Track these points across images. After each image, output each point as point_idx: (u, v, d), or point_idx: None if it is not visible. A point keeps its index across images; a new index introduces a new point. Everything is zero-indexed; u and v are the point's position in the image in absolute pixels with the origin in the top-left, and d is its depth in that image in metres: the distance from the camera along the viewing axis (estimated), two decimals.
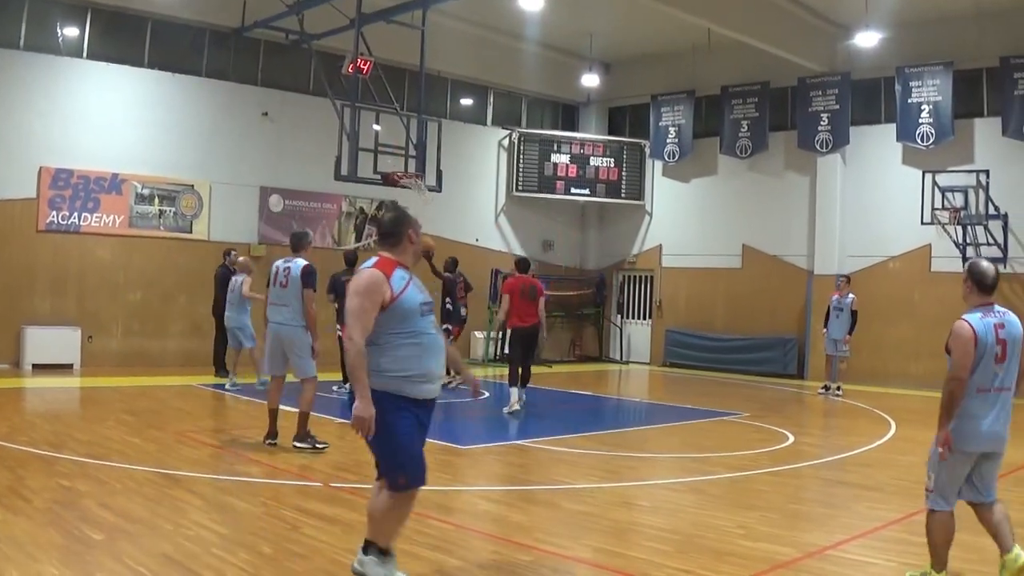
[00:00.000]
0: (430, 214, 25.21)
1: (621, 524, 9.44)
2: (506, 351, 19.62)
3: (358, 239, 25.41)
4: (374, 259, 6.80)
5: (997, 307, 7.40)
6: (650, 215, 30.48)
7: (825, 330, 22.31)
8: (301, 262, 12.59)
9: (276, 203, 24.14)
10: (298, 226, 23.90)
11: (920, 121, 24.43)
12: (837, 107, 26.07)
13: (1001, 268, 22.61)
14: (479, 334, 28.08)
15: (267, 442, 12.58)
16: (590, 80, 29.68)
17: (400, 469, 6.70)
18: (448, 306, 20.33)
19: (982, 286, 7.52)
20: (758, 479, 11.87)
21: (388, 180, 20.44)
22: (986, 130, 24.08)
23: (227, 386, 18.69)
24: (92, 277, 21.67)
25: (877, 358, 24.63)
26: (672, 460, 13.46)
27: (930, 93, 24.34)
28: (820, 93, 26.39)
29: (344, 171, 19.99)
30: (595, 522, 9.39)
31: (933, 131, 24.26)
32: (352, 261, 19.22)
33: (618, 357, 31.01)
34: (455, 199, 26.65)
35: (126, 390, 17.88)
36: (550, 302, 27.34)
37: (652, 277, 30.57)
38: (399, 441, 6.65)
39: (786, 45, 24.81)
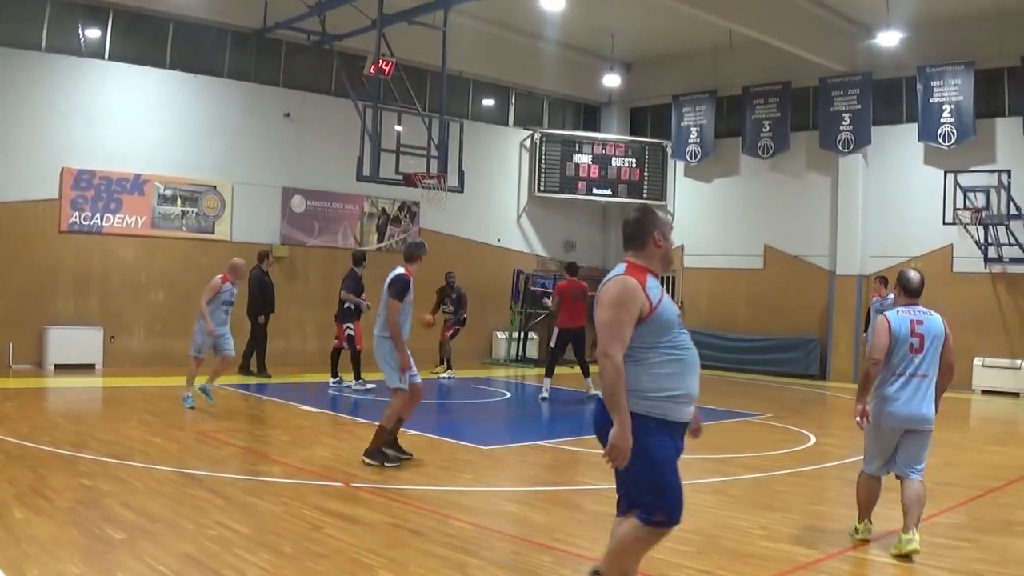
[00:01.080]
0: (452, 215, 25.36)
1: None
2: (551, 345, 21.11)
3: (380, 240, 25.44)
4: (622, 266, 6.09)
5: (920, 308, 8.77)
6: (672, 215, 30.38)
7: (865, 334, 22.15)
8: (397, 271, 12.08)
9: (298, 204, 24.16)
10: (320, 226, 24.02)
11: (942, 121, 24.34)
12: (859, 107, 26.00)
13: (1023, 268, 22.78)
14: (500, 334, 28.08)
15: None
16: (611, 80, 29.65)
17: (659, 504, 5.93)
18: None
19: (907, 291, 8.89)
20: (780, 480, 11.87)
21: (410, 181, 20.47)
22: (1008, 130, 23.99)
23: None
24: (114, 278, 21.73)
25: None
26: (693, 461, 13.40)
27: (951, 93, 24.25)
28: (842, 93, 26.33)
29: (366, 172, 20.04)
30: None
31: (955, 131, 24.16)
32: (359, 260, 19.32)
33: None
34: (477, 200, 26.68)
35: (148, 390, 17.93)
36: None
37: (674, 277, 30.49)
38: (661, 471, 5.94)
39: (807, 45, 24.74)
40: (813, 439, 15.32)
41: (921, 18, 23.77)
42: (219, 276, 15.86)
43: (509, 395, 20.56)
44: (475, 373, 23.62)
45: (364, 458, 11.71)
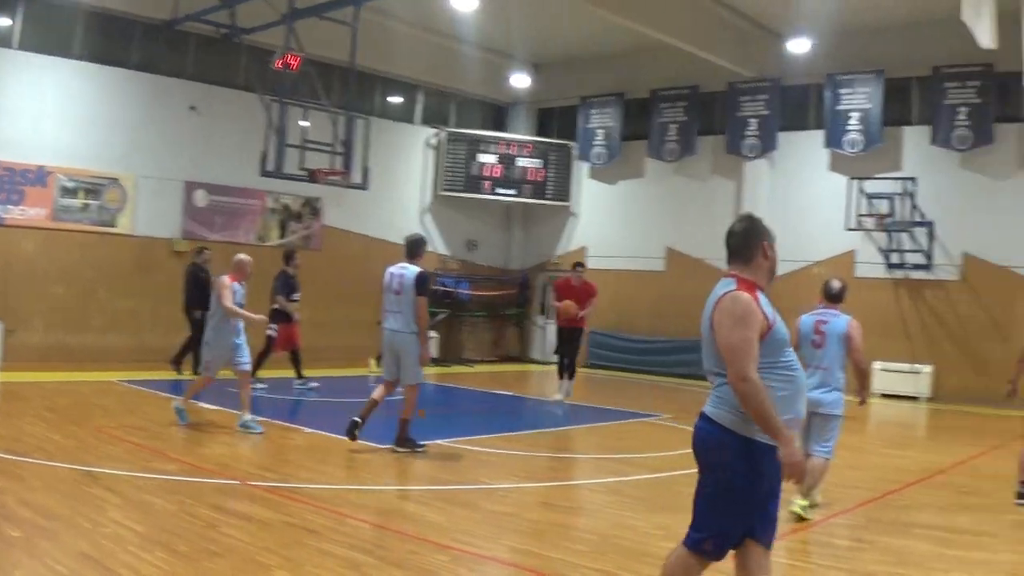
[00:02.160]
0: (356, 212, 25.34)
1: (539, 524, 9.49)
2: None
3: (281, 236, 25.31)
4: (731, 281, 5.76)
5: (831, 311, 10.34)
6: (575, 216, 30.61)
7: None
8: (415, 269, 12.82)
9: (201, 198, 23.93)
10: (221, 221, 23.85)
11: (848, 128, 24.76)
12: (766, 112, 26.37)
13: (925, 275, 23.23)
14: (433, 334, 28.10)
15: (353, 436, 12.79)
16: (519, 81, 29.81)
17: (713, 533, 5.66)
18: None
19: (826, 295, 10.59)
20: (678, 480, 11.87)
21: (314, 177, 20.41)
22: (915, 138, 24.44)
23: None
24: (15, 270, 21.32)
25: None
26: (592, 461, 13.57)
27: (860, 100, 24.68)
28: (750, 98, 26.68)
29: (270, 167, 19.90)
30: (513, 522, 9.47)
31: (862, 138, 24.59)
32: (289, 258, 19.35)
33: (540, 358, 31.06)
34: (381, 197, 26.55)
35: (47, 386, 17.64)
36: (473, 302, 27.51)
37: None
38: (735, 500, 5.58)
39: (717, 50, 24.99)
40: None
41: (832, 26, 24.08)
42: (227, 276, 14.11)
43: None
44: (377, 372, 23.55)
45: (395, 447, 12.69)
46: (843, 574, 7.75)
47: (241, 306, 13.89)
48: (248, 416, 13.62)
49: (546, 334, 31.03)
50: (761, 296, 5.68)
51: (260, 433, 13.38)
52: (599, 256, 29.62)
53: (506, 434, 14.61)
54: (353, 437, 12.60)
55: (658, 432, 16.56)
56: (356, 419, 12.71)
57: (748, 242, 5.89)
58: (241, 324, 13.88)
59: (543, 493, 11.04)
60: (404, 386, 12.99)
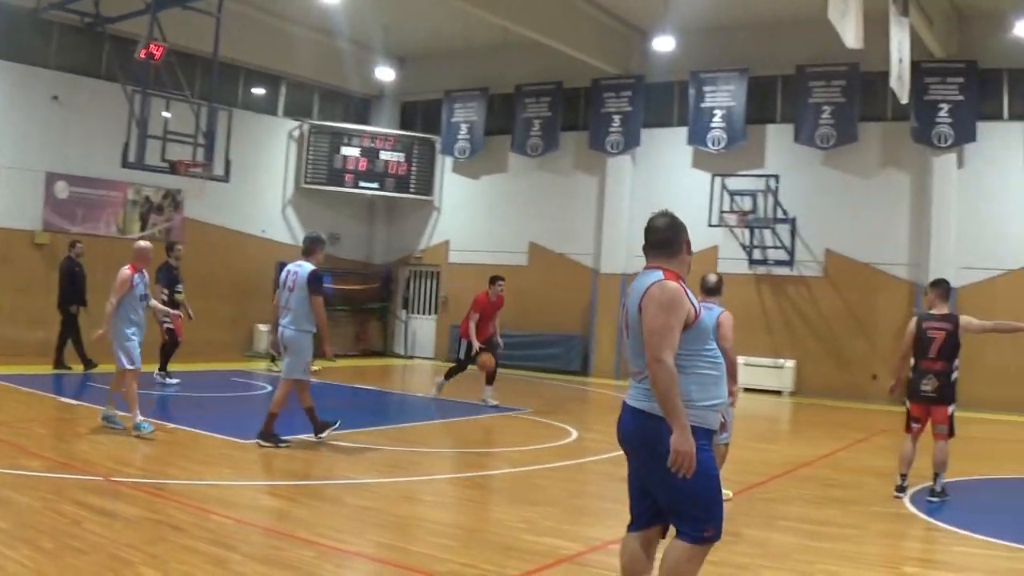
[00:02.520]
0: (217, 204, 25.10)
1: (404, 519, 9.51)
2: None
3: (143, 228, 24.96)
4: (658, 272, 5.87)
5: (707, 303, 9.53)
6: (438, 211, 30.65)
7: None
8: (309, 266, 12.95)
9: (62, 189, 23.47)
10: (83, 213, 23.48)
11: (712, 125, 25.22)
12: (630, 109, 26.70)
13: (788, 271, 23.73)
14: (262, 327, 27.86)
15: (318, 436, 13.16)
16: (384, 74, 29.76)
17: (708, 518, 5.80)
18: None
19: (703, 289, 10.39)
20: (541, 474, 12.06)
21: (175, 169, 20.19)
22: (778, 136, 25.01)
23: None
24: None
25: None
26: (455, 455, 13.62)
27: (724, 98, 25.15)
28: (613, 95, 26.98)
29: (132, 158, 19.67)
30: (378, 517, 9.45)
31: (725, 136, 25.08)
32: (169, 249, 19.15)
33: (402, 352, 31.10)
34: (243, 190, 26.34)
35: None
36: (335, 296, 27.33)
37: (438, 273, 30.74)
38: (711, 484, 5.81)
39: (581, 46, 25.23)
40: (575, 434, 15.62)
41: (697, 25, 24.39)
42: (127, 267, 13.35)
43: (269, 388, 20.50)
44: (235, 366, 23.39)
45: (260, 442, 12.58)
46: (711, 567, 7.85)
47: (144, 296, 13.49)
48: (139, 418, 12.84)
49: (408, 328, 31.08)
50: (685, 287, 5.83)
51: (150, 433, 12.74)
52: (462, 251, 29.75)
53: (370, 429, 14.56)
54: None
55: (521, 426, 16.69)
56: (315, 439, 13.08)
57: (675, 236, 6.04)
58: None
59: (407, 488, 11.05)
60: (282, 379, 13.05)
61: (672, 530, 5.98)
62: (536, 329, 27.54)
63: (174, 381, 18.46)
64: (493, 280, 19.48)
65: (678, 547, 5.81)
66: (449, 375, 19.40)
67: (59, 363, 19.99)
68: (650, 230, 6.09)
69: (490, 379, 19.02)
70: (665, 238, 6.03)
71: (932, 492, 11.20)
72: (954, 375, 11.25)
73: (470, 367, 19.15)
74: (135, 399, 12.91)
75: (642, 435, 5.80)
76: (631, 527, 6.14)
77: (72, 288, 19.91)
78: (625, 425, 5.94)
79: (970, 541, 9.40)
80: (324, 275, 13.23)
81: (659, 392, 5.54)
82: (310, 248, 13.31)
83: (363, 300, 30.44)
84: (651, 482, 5.87)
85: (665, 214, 6.13)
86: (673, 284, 5.75)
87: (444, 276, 30.46)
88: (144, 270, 13.60)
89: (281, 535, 8.40)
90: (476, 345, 18.47)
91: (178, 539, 7.86)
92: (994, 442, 17.70)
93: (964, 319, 11.31)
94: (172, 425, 13.42)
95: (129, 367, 13.01)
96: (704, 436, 5.75)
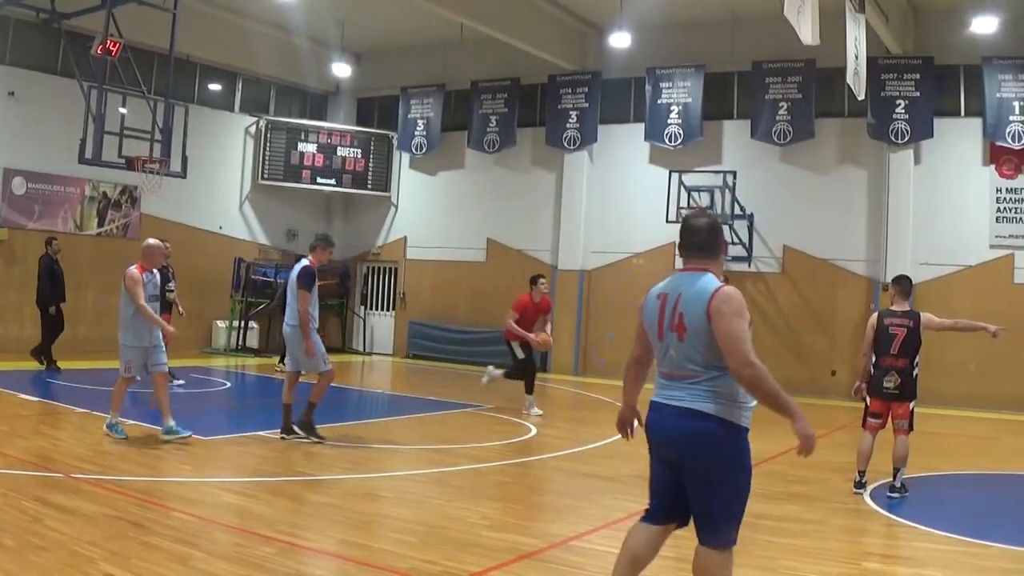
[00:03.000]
0: (174, 201, 24.97)
1: (365, 516, 9.50)
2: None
3: (100, 224, 24.83)
4: (708, 275, 5.91)
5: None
6: (396, 207, 30.63)
7: None
8: (304, 263, 13.35)
9: (19, 185, 23.30)
10: (40, 209, 23.37)
11: (669, 121, 25.27)
12: (587, 105, 26.74)
13: (745, 268, 23.84)
14: (220, 323, 27.80)
15: (281, 436, 13.24)
16: (340, 70, 29.66)
17: (736, 522, 5.81)
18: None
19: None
20: (502, 470, 12.11)
21: (132, 165, 20.09)
22: (735, 132, 25.16)
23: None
24: None
25: (623, 353, 25.07)
26: (415, 452, 13.59)
27: (680, 94, 25.21)
28: (570, 91, 27.01)
29: (88, 154, 19.51)
30: (339, 514, 9.42)
31: (682, 132, 25.14)
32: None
33: (361, 348, 31.07)
34: (199, 186, 26.23)
35: None
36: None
37: (396, 269, 30.71)
38: (748, 489, 5.86)
39: (538, 42, 25.27)
40: (535, 430, 15.66)
41: (654, 21, 24.49)
42: (134, 266, 12.69)
43: (229, 384, 20.43)
44: (194, 363, 23.28)
45: (296, 428, 13.17)
46: (673, 563, 7.82)
47: (155, 297, 12.94)
48: (171, 422, 12.46)
49: (367, 325, 31.04)
50: None
51: (121, 437, 12.40)
52: (419, 247, 29.75)
53: (330, 425, 14.46)
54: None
55: (481, 422, 16.67)
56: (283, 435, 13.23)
57: (716, 238, 6.04)
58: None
59: (368, 484, 11.05)
60: (313, 373, 13.55)
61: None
62: (494, 325, 27.48)
63: (179, 382, 18.26)
64: (534, 280, 18.25)
65: (712, 556, 5.76)
66: (515, 376, 18.26)
67: (50, 363, 19.85)
68: (690, 231, 6.06)
69: (529, 388, 17.91)
70: (708, 240, 6.02)
71: (892, 488, 11.27)
72: (915, 371, 11.35)
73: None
74: (119, 402, 12.69)
75: (698, 437, 5.73)
76: (648, 519, 6.08)
77: (52, 286, 19.82)
78: (673, 426, 5.83)
79: (930, 536, 9.46)
80: (314, 272, 13.43)
81: (765, 393, 5.53)
82: (311, 247, 13.77)
83: (321, 297, 30.21)
84: (695, 484, 5.80)
85: (704, 214, 6.19)
86: (736, 290, 5.78)
87: (402, 272, 30.43)
88: (155, 270, 13.20)
89: (242, 532, 8.35)
90: (530, 337, 17.56)
91: (139, 536, 7.82)
92: (953, 437, 17.84)
93: (925, 316, 11.40)
94: (131, 422, 13.32)
95: (124, 375, 12.69)
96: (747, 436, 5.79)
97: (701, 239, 6.00)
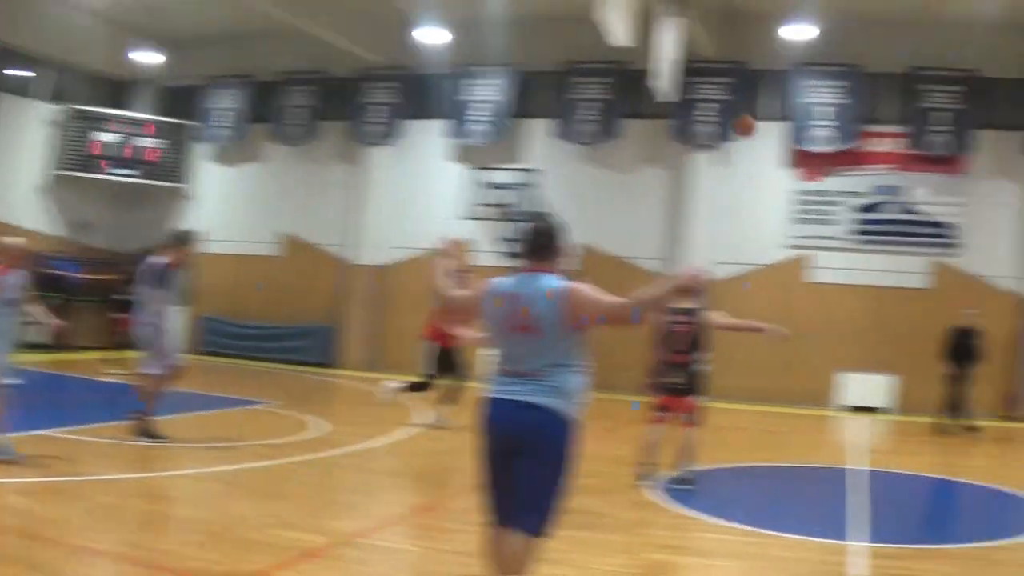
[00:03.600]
0: None
1: (149, 515, 9.43)
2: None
3: None
4: (551, 275, 6.14)
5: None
6: (192, 199, 30.29)
7: None
8: (162, 261, 13.63)
9: None
10: None
11: (476, 119, 25.55)
12: (393, 101, 26.83)
13: None
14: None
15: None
16: (143, 57, 29.13)
17: (552, 516, 6.01)
18: None
19: None
20: (288, 468, 12.06)
21: None
22: (542, 131, 25.53)
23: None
24: None
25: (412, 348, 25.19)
26: (199, 450, 13.45)
27: (489, 92, 25.52)
28: (378, 85, 27.09)
29: None
30: (122, 514, 9.30)
31: (488, 129, 25.44)
32: None
33: None
34: None
35: None
36: (85, 286, 26.64)
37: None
38: (567, 481, 6.03)
39: (346, 35, 25.25)
40: (322, 427, 15.67)
41: (465, 18, 24.53)
42: None
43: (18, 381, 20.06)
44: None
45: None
46: (462, 556, 8.02)
47: (12, 301, 11.80)
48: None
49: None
50: None
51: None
52: (215, 240, 29.39)
53: (113, 423, 14.04)
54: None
55: (267, 419, 16.60)
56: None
57: (559, 242, 6.27)
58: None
59: (151, 483, 10.97)
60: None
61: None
62: (288, 321, 27.51)
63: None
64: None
65: (528, 543, 5.96)
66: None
67: None
68: (533, 234, 6.27)
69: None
70: (550, 242, 6.24)
71: (680, 480, 11.65)
72: (699, 367, 11.80)
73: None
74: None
75: (538, 428, 5.94)
76: (503, 524, 6.11)
77: None
78: (515, 418, 5.99)
79: (715, 528, 9.82)
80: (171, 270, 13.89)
81: (654, 303, 6.20)
82: (167, 245, 14.16)
83: (112, 290, 29.83)
84: (530, 475, 5.96)
85: (546, 217, 6.39)
86: (578, 284, 5.99)
87: (196, 266, 30.08)
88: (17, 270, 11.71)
89: (24, 535, 8.12)
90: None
91: None
92: (740, 431, 18.47)
93: (708, 314, 11.90)
94: None
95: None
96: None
97: (543, 241, 6.23)
